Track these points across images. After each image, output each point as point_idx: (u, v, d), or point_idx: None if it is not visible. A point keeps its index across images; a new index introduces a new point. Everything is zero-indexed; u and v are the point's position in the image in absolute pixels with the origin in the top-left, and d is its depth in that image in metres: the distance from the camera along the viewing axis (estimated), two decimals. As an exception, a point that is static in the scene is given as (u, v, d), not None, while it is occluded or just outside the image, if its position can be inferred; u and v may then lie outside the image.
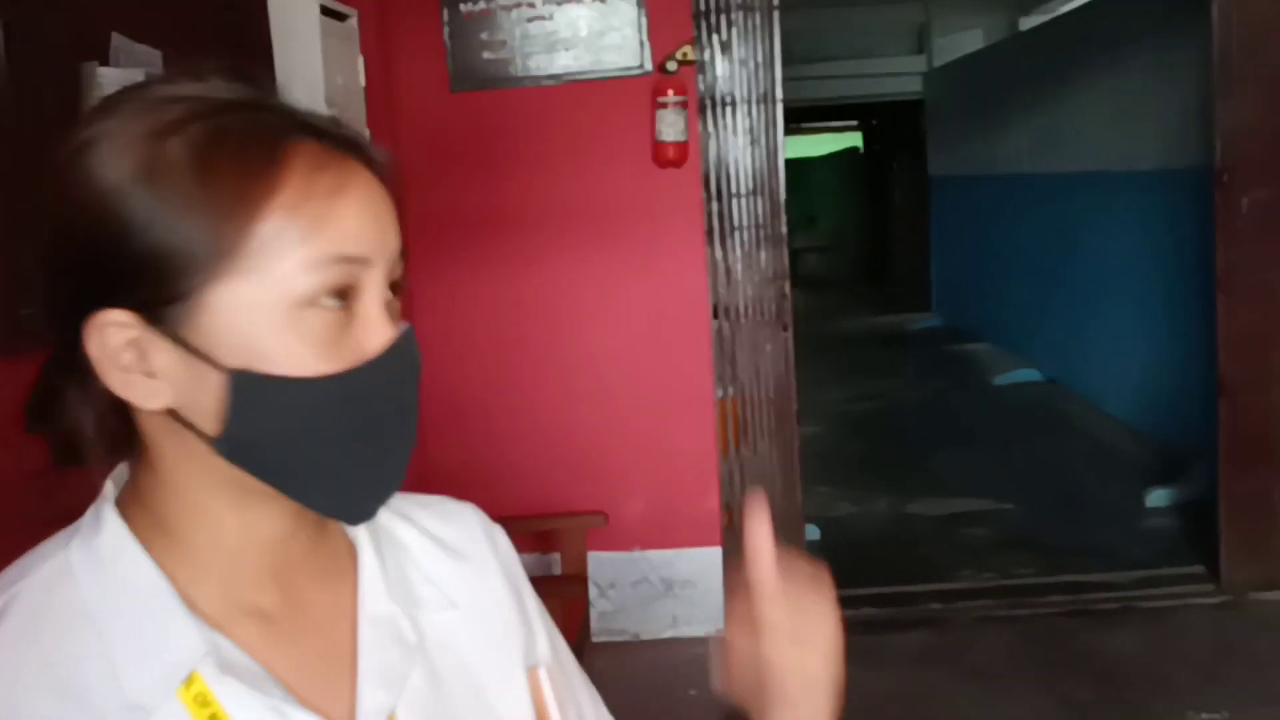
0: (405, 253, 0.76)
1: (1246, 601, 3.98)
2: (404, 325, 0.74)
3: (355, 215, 0.71)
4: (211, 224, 0.67)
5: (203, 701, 0.70)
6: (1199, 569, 4.25)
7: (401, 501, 0.89)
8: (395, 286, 0.76)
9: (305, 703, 0.74)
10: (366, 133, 0.77)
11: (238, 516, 0.75)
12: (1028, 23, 9.75)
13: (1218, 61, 3.91)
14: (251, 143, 0.69)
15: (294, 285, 0.68)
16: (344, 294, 0.71)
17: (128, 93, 0.71)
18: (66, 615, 0.71)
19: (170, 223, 0.67)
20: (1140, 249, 6.24)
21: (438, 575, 0.86)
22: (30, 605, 0.71)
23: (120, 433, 0.75)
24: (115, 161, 0.68)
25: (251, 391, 0.69)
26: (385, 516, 0.86)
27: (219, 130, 0.68)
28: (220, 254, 0.67)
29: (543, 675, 0.85)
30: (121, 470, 0.78)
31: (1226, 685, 3.44)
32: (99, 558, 0.73)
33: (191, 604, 0.73)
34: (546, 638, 0.92)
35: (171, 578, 0.73)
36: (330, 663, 0.78)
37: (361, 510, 0.76)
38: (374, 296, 0.73)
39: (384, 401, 0.73)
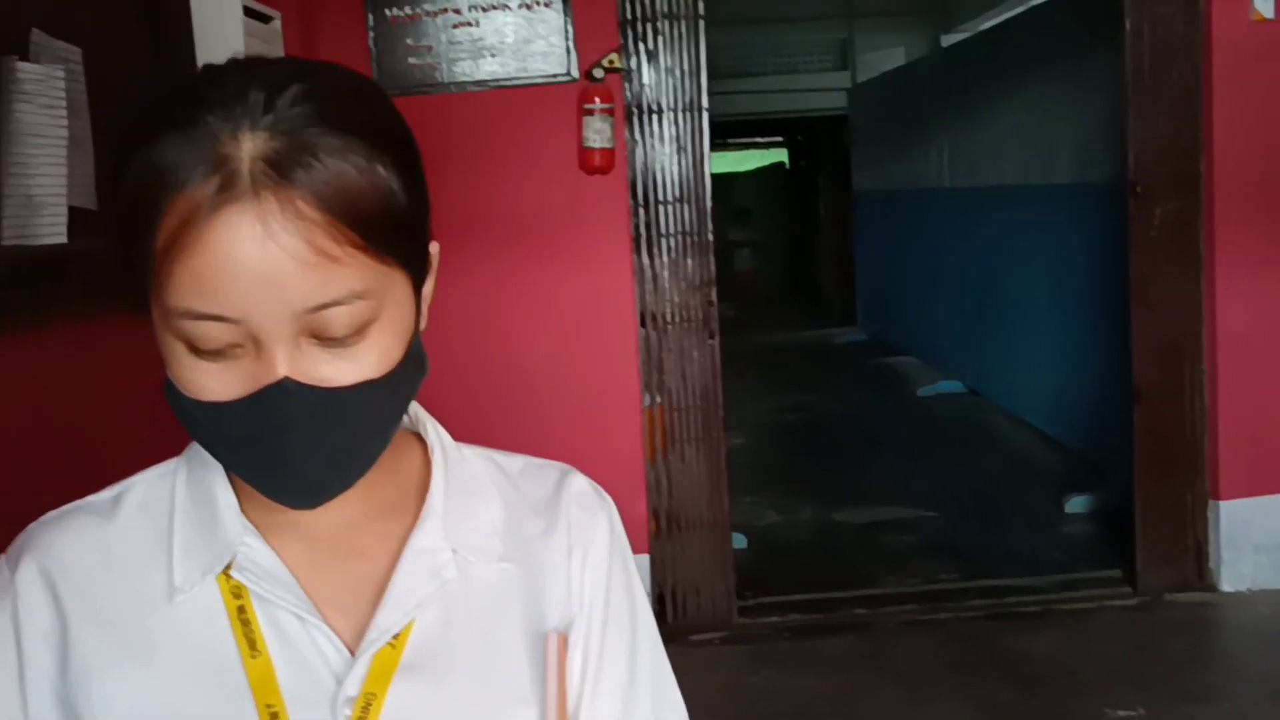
0: (360, 296, 0.73)
1: (1161, 603, 4.07)
2: (275, 380, 0.72)
3: (213, 276, 0.70)
4: (130, 248, 0.73)
5: (236, 593, 0.81)
6: (1116, 572, 4.33)
7: (507, 458, 0.95)
8: (336, 330, 0.73)
9: (325, 616, 0.82)
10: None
11: None
12: (949, 40, 9.93)
13: (1130, 78, 4.02)
14: (152, 182, 0.71)
15: (166, 324, 0.74)
16: (219, 344, 0.73)
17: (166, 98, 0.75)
18: (156, 507, 0.85)
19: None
20: (1058, 261, 6.37)
21: (508, 529, 0.89)
22: (139, 494, 0.86)
23: None
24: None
25: (168, 384, 0.77)
26: (479, 464, 0.92)
27: (140, 166, 0.72)
28: (139, 274, 0.74)
29: (552, 642, 0.85)
30: None
31: (1142, 684, 3.51)
32: (195, 467, 0.85)
33: (248, 514, 0.83)
34: (600, 619, 0.90)
35: (239, 491, 0.83)
36: (362, 586, 0.84)
37: (291, 502, 0.78)
38: (263, 347, 0.72)
39: (252, 443, 0.75)
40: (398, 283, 0.77)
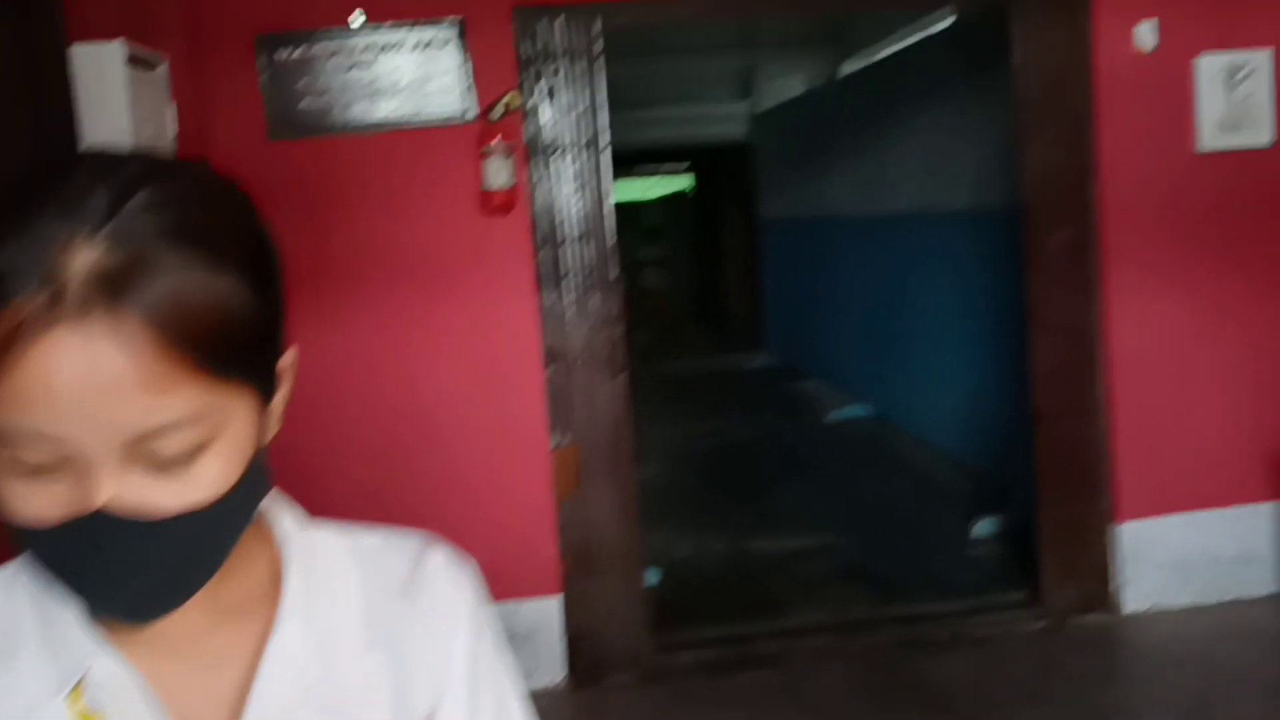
0: (194, 420, 0.69)
1: (1067, 625, 4.14)
2: (92, 509, 0.68)
3: (34, 397, 0.65)
4: None
5: (86, 715, 0.76)
6: (1023, 595, 4.39)
7: (365, 535, 0.90)
8: (173, 451, 0.69)
9: None
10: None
11: None
12: (847, 68, 10.07)
13: (1021, 108, 4.11)
14: None
15: None
16: (39, 464, 0.68)
17: None
18: (4, 619, 0.80)
19: None
20: (959, 287, 6.48)
21: (371, 614, 0.85)
22: None
23: None
24: None
25: None
26: (335, 548, 0.87)
27: None
28: None
29: None
30: None
31: (1051, 706, 3.56)
32: (38, 571, 0.76)
33: (99, 625, 0.78)
34: (469, 691, 0.88)
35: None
36: (225, 694, 0.80)
37: (121, 620, 0.75)
38: (87, 470, 0.68)
39: (73, 566, 0.71)
40: (240, 401, 0.73)
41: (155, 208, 0.68)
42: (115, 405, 0.66)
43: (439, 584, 0.89)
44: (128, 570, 0.71)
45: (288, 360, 0.80)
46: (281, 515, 0.87)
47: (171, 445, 0.69)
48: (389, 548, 0.90)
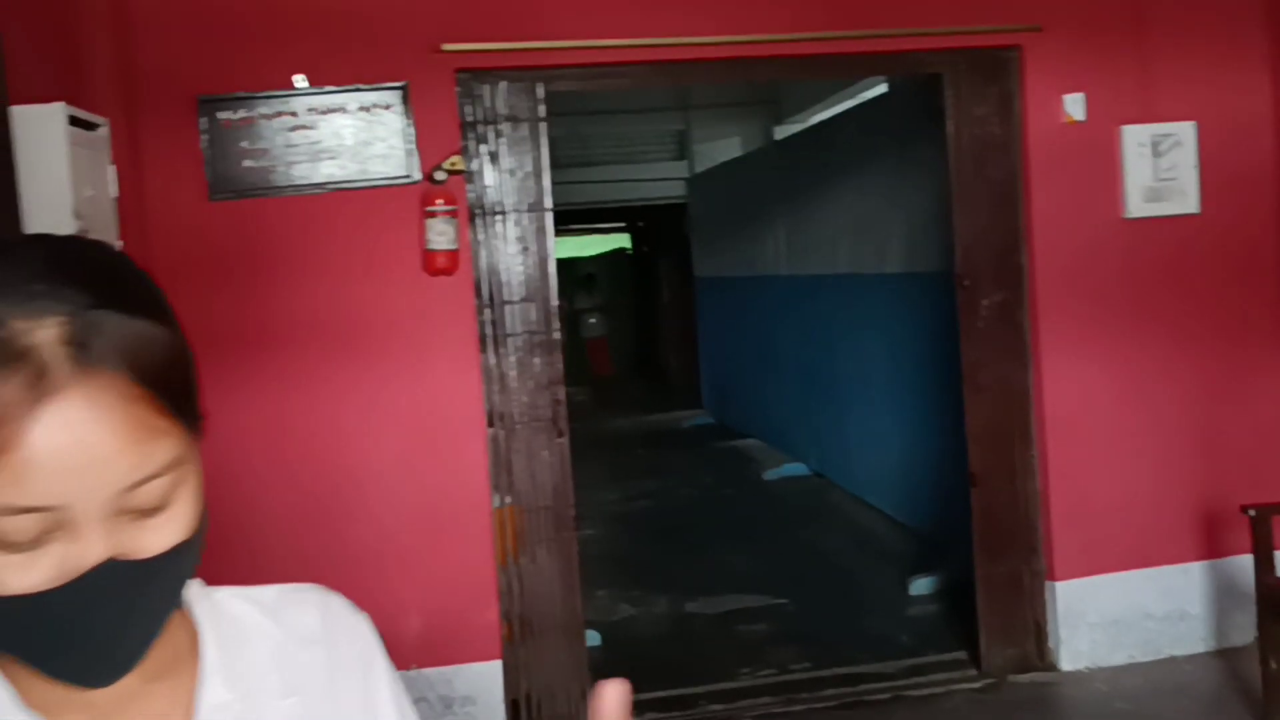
0: (173, 465, 0.73)
1: (1005, 684, 4.17)
2: (98, 562, 0.70)
3: (34, 470, 0.67)
4: None
5: None
6: (961, 654, 4.43)
7: (261, 591, 0.93)
8: (154, 500, 0.72)
9: None
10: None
11: None
12: (781, 132, 10.24)
13: (954, 176, 4.20)
14: None
15: None
16: (32, 535, 0.69)
17: None
18: None
19: None
20: (895, 347, 6.57)
21: (283, 662, 0.88)
22: None
23: None
24: None
25: None
26: (237, 605, 0.90)
27: None
28: None
29: None
30: None
31: (992, 768, 3.58)
32: None
33: (27, 698, 0.77)
34: None
35: (13, 680, 0.78)
36: None
37: (90, 682, 0.74)
38: (77, 531, 0.70)
39: (59, 630, 0.71)
40: (195, 442, 0.77)
41: (84, 280, 0.72)
42: (113, 461, 0.69)
43: (348, 628, 0.94)
44: (120, 619, 0.72)
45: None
46: None
47: (159, 490, 0.72)
48: (289, 600, 0.93)
